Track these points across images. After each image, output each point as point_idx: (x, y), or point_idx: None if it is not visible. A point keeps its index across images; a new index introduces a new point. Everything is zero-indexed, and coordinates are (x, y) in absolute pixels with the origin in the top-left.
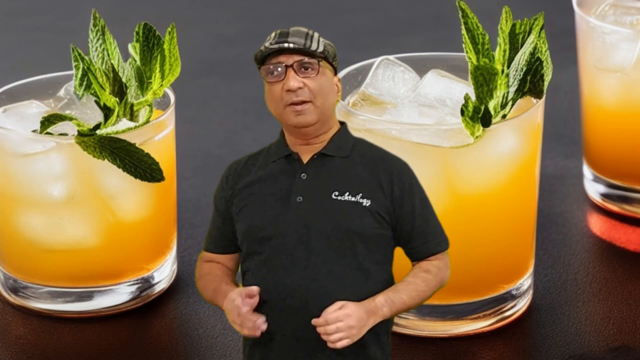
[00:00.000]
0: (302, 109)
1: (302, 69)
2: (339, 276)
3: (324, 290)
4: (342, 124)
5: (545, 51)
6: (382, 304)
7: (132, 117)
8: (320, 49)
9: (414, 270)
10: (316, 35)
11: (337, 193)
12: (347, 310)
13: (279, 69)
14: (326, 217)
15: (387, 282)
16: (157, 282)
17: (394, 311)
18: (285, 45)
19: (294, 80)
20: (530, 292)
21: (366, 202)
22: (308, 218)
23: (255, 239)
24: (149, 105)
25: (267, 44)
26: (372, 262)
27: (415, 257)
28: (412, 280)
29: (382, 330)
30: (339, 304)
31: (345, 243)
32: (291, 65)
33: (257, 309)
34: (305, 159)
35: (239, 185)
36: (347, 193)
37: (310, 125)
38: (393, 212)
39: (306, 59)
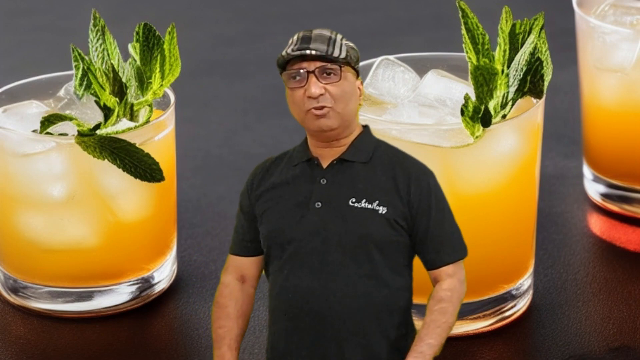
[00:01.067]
0: (323, 113)
1: (324, 75)
2: (353, 282)
3: (339, 296)
4: (365, 127)
5: (545, 51)
6: None
7: (132, 117)
8: (343, 54)
9: (429, 304)
10: (339, 38)
11: (354, 200)
12: None
13: (301, 75)
14: (342, 223)
15: (405, 288)
16: (157, 282)
17: (430, 358)
18: (307, 52)
19: (315, 87)
20: (530, 292)
21: (382, 210)
22: (325, 224)
23: (276, 243)
24: (149, 105)
25: (289, 50)
26: (388, 268)
27: (429, 266)
28: (430, 320)
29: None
30: None
31: (360, 249)
32: (313, 72)
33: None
34: (326, 163)
35: (261, 188)
36: (364, 200)
37: (332, 130)
38: (409, 217)
39: (328, 65)
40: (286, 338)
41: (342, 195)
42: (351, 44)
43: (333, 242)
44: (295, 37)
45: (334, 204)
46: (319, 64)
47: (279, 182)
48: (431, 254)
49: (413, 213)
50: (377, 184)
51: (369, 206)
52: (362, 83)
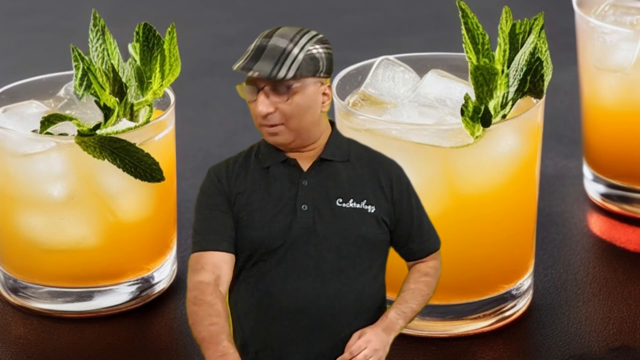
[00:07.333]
0: (276, 131)
1: (275, 90)
2: (348, 282)
3: (335, 297)
4: (331, 123)
5: (545, 51)
6: (395, 318)
7: (132, 117)
8: (291, 74)
9: (413, 275)
10: (296, 50)
11: (341, 200)
12: (366, 336)
13: (252, 89)
14: (333, 225)
15: (384, 284)
16: (157, 282)
17: (407, 321)
18: (249, 73)
19: (262, 105)
20: (530, 292)
21: (371, 209)
22: (315, 226)
23: (261, 248)
24: (149, 105)
25: (239, 63)
26: (377, 267)
27: (414, 257)
28: (415, 287)
29: None
30: (357, 333)
31: (353, 250)
32: (262, 89)
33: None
34: (303, 164)
35: (235, 190)
36: (352, 200)
37: (286, 145)
38: (393, 215)
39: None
40: (281, 339)
41: (328, 196)
42: (314, 51)
43: (325, 243)
44: (251, 46)
45: (320, 205)
46: (268, 81)
47: (253, 185)
48: (417, 247)
49: (397, 211)
50: (360, 183)
51: (358, 205)
52: (329, 87)
